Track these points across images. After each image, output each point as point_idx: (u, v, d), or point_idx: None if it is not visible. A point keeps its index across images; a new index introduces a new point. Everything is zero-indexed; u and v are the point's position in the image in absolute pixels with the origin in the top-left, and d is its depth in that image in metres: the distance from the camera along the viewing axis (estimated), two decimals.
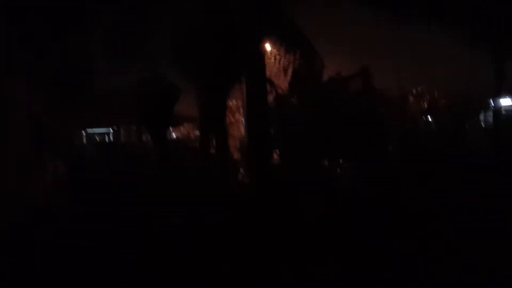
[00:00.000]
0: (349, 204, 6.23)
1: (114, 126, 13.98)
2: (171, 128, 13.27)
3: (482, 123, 7.67)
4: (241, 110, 9.65)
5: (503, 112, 8.02)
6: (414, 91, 8.14)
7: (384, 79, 8.31)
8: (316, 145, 7.56)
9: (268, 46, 9.15)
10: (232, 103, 10.08)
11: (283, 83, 8.78)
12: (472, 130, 7.50)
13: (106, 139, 14.27)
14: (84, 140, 13.41)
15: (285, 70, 8.66)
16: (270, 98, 8.71)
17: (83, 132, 13.25)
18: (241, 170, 8.10)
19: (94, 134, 14.05)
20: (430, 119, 7.78)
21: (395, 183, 6.48)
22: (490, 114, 7.91)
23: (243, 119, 9.50)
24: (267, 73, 8.80)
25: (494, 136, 6.99)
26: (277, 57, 8.86)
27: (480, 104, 7.84)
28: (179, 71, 8.08)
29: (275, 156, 8.00)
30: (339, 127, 7.17)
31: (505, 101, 8.40)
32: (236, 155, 8.88)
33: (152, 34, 7.86)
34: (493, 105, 7.81)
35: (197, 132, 10.40)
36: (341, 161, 8.01)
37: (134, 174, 7.57)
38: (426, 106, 7.88)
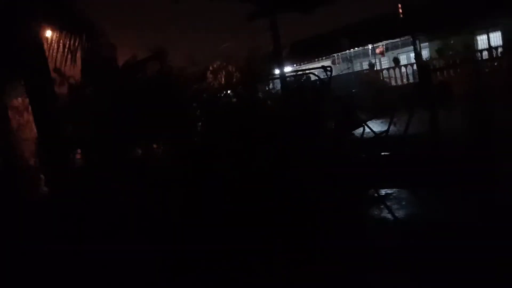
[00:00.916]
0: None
1: None
2: None
3: (271, 89, 8.54)
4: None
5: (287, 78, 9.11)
6: (211, 67, 8.42)
7: (181, 59, 8.32)
8: (122, 134, 7.15)
9: (48, 32, 8.11)
10: (17, 101, 8.71)
11: (73, 72, 7.92)
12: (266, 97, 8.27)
13: None
14: None
15: (73, 58, 7.82)
16: (61, 90, 7.80)
17: None
18: (39, 176, 7.12)
19: None
20: (229, 92, 8.21)
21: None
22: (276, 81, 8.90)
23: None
24: (53, 63, 7.87)
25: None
26: (61, 43, 7.93)
27: (267, 74, 8.65)
28: None
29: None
30: (141, 111, 6.90)
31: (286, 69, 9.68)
32: (32, 161, 7.74)
33: None
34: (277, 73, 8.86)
35: None
36: (153, 145, 7.83)
37: None
38: (223, 80, 8.29)
